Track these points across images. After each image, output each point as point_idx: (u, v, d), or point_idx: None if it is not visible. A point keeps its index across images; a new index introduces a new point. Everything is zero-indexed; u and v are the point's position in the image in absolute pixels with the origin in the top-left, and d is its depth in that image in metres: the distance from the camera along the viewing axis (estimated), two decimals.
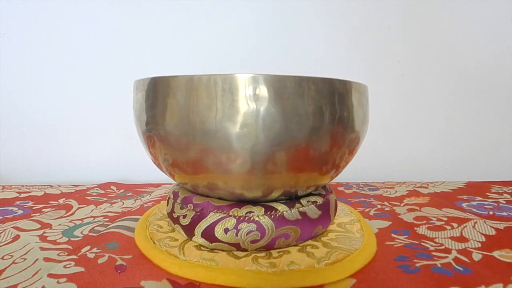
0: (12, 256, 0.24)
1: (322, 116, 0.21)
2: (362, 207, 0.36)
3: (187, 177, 0.24)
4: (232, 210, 0.23)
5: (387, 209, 0.36)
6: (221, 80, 0.20)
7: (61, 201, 0.39)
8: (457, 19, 0.53)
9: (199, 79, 0.20)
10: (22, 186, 0.46)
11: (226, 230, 0.23)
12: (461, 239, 0.27)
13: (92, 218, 0.33)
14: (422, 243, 0.26)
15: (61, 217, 0.33)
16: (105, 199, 0.40)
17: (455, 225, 0.31)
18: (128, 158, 0.53)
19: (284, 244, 0.23)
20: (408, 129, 0.55)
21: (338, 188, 0.45)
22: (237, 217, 0.23)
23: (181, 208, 0.25)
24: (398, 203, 0.38)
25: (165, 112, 0.22)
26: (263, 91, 0.20)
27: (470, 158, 0.56)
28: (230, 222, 0.23)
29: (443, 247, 0.26)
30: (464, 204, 0.38)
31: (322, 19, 0.52)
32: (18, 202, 0.38)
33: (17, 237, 0.27)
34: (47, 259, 0.23)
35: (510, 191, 0.43)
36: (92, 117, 0.52)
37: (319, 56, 0.53)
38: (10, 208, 0.36)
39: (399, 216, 0.33)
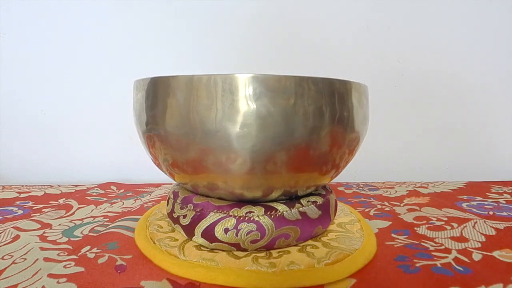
0: (12, 256, 0.24)
1: (322, 116, 0.21)
2: (362, 207, 0.36)
3: (187, 177, 0.24)
4: (232, 210, 0.23)
5: (387, 209, 0.36)
6: (221, 80, 0.20)
7: (61, 201, 0.39)
8: (457, 19, 0.53)
9: (199, 79, 0.20)
10: (22, 186, 0.46)
11: (226, 230, 0.23)
12: (461, 239, 0.27)
13: (92, 218, 0.33)
14: (422, 243, 0.26)
15: (61, 217, 0.33)
16: (105, 199, 0.40)
17: (455, 225, 0.31)
18: (128, 158, 0.53)
19: (284, 244, 0.23)
20: (408, 129, 0.55)
21: (338, 188, 0.45)
22: (237, 217, 0.23)
23: (181, 208, 0.25)
24: (398, 203, 0.38)
25: (165, 112, 0.22)
26: (263, 91, 0.20)
27: (470, 158, 0.56)
28: (230, 222, 0.23)
29: (443, 247, 0.26)
30: (464, 204, 0.38)
31: (322, 19, 0.52)
32: (18, 202, 0.38)
33: (17, 237, 0.27)
34: (47, 259, 0.23)
35: (510, 191, 0.43)
36: (92, 117, 0.52)
37: (319, 56, 0.53)
38: (10, 208, 0.36)
39: (399, 216, 0.33)
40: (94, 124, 0.53)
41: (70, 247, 0.26)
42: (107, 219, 0.32)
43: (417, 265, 0.23)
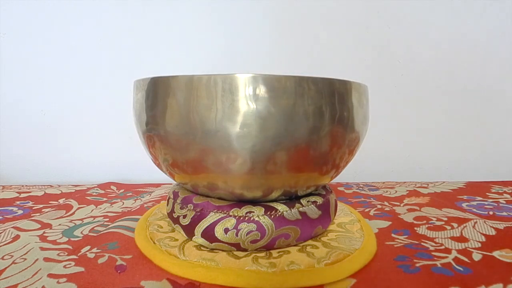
0: (12, 256, 0.24)
1: (322, 116, 0.21)
2: (362, 207, 0.36)
3: (187, 177, 0.24)
4: (232, 210, 0.23)
5: (387, 209, 0.36)
6: (221, 80, 0.20)
7: (61, 201, 0.39)
8: (457, 19, 0.53)
9: (199, 79, 0.20)
10: (22, 186, 0.46)
11: (226, 230, 0.23)
12: (461, 239, 0.27)
13: (92, 218, 0.33)
14: (422, 243, 0.26)
15: (61, 217, 0.33)
16: (105, 199, 0.40)
17: (455, 225, 0.31)
18: (128, 158, 0.53)
19: (284, 244, 0.23)
20: (408, 129, 0.55)
21: (338, 188, 0.45)
22: (237, 217, 0.23)
23: (181, 208, 0.25)
24: (398, 203, 0.38)
25: (165, 112, 0.22)
26: (263, 91, 0.20)
27: (470, 158, 0.56)
28: (230, 222, 0.23)
29: (443, 247, 0.26)
30: (464, 204, 0.38)
31: (322, 19, 0.52)
32: (18, 202, 0.38)
33: (17, 237, 0.27)
34: (47, 259, 0.23)
35: (510, 191, 0.43)
36: (92, 117, 0.52)
37: (319, 56, 0.53)
38: (10, 208, 0.36)
39: (399, 216, 0.33)
40: (94, 124, 0.53)
41: (70, 247, 0.26)
42: (107, 219, 0.32)
43: (417, 265, 0.23)
